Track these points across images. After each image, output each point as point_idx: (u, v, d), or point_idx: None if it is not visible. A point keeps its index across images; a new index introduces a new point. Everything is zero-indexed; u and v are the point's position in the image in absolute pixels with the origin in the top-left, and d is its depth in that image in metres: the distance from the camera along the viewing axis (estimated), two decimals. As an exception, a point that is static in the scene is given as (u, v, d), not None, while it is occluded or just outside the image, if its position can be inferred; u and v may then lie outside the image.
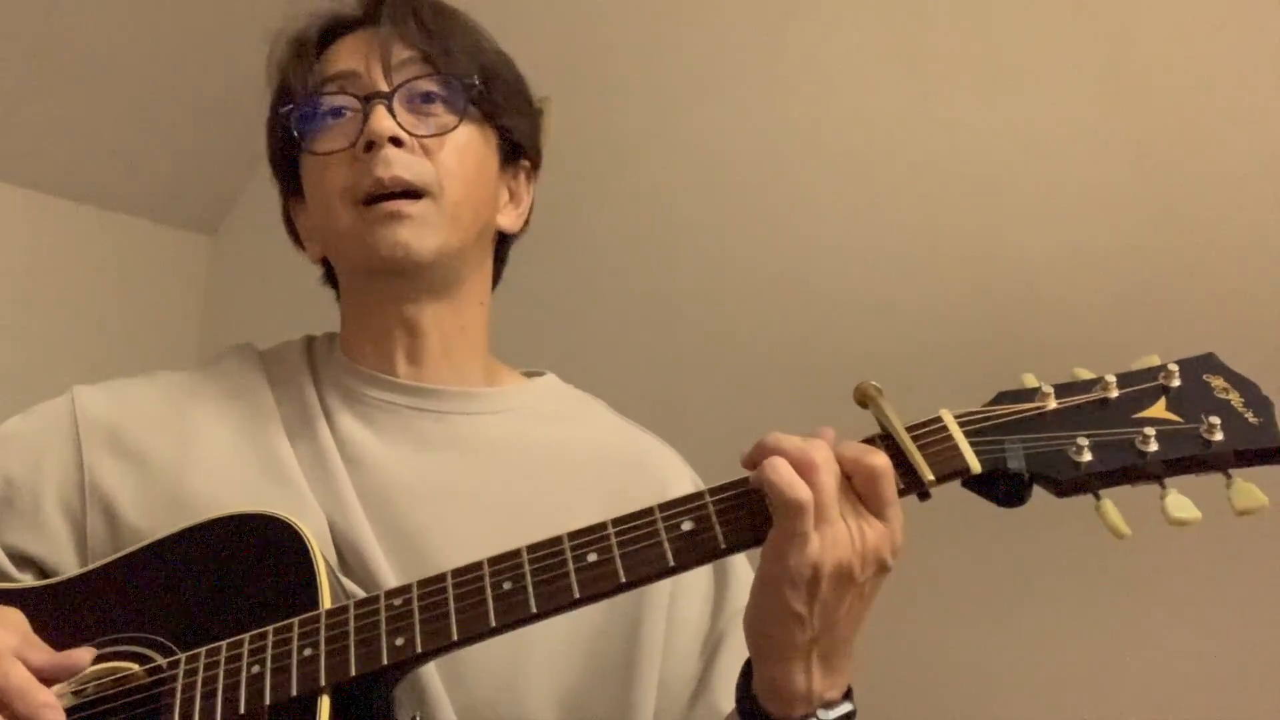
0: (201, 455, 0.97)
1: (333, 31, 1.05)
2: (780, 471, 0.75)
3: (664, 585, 0.89)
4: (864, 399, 0.81)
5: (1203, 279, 1.39)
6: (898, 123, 1.70)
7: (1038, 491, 1.25)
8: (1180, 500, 0.72)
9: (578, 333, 2.01)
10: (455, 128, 0.99)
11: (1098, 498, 0.76)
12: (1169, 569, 1.35)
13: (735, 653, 0.93)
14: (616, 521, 0.80)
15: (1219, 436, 0.73)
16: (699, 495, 0.80)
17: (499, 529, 0.93)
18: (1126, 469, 0.75)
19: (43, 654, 0.83)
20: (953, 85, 1.65)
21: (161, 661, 0.84)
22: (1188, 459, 0.74)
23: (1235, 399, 0.75)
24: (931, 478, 0.77)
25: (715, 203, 1.90)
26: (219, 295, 2.79)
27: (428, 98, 1.00)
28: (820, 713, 0.79)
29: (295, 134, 1.00)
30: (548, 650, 0.92)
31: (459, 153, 1.00)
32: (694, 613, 0.99)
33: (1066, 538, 1.36)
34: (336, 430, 0.99)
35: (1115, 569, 1.40)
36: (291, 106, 1.01)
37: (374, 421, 1.00)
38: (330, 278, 1.11)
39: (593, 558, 0.78)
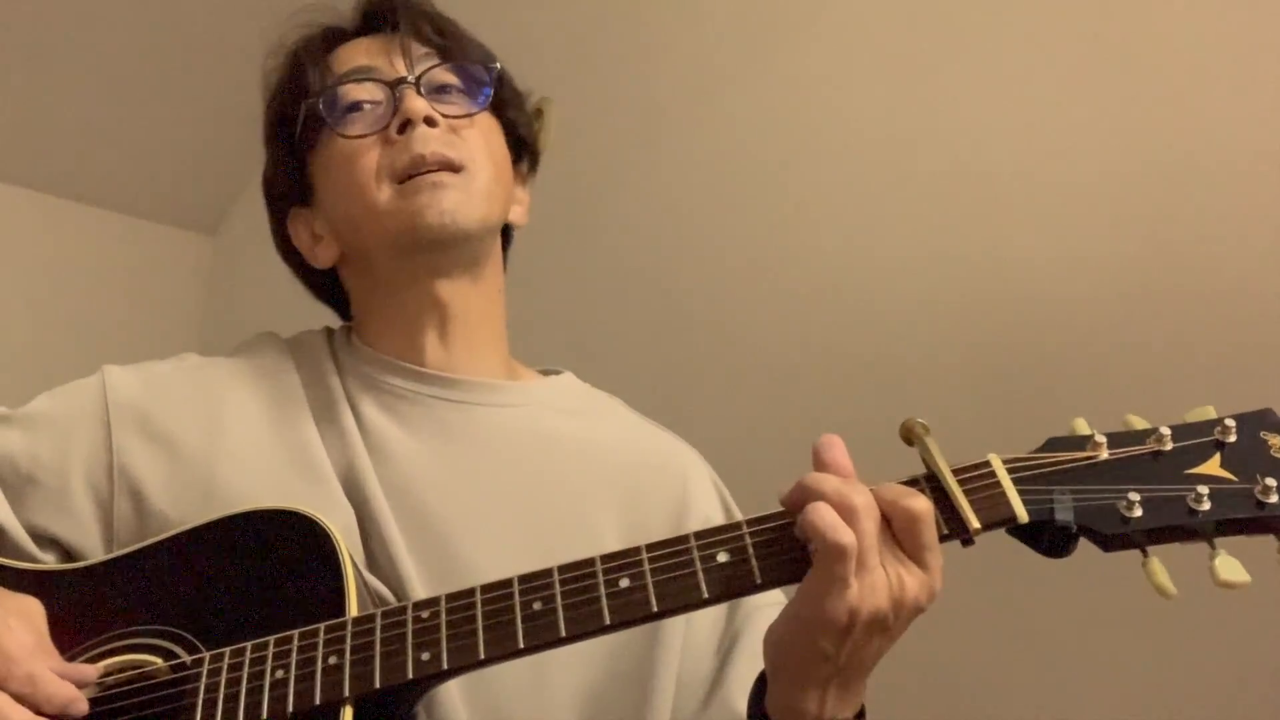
0: (231, 443, 0.96)
1: (336, 39, 1.06)
2: (824, 515, 0.74)
3: None
4: (910, 437, 0.79)
5: (1219, 282, 1.37)
6: (915, 125, 1.69)
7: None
8: (1230, 563, 0.71)
9: (587, 333, 2.00)
10: (480, 111, 1.03)
11: (1145, 554, 0.74)
12: (1170, 568, 1.35)
13: (750, 651, 0.93)
14: (651, 547, 0.79)
15: (1274, 499, 0.72)
16: (736, 526, 0.79)
17: (522, 524, 0.95)
18: (1177, 527, 0.73)
19: (53, 662, 0.82)
20: (964, 89, 1.64)
21: (185, 659, 0.83)
22: (1240, 521, 0.73)
23: (1292, 460, 0.74)
24: (977, 525, 0.75)
25: (727, 203, 1.90)
26: (219, 295, 2.77)
27: (445, 89, 1.03)
28: None
29: (325, 120, 1.01)
30: (571, 649, 0.90)
31: (484, 136, 1.03)
32: (710, 611, 0.98)
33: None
34: (361, 420, 0.99)
35: (1118, 572, 1.40)
36: (311, 98, 1.01)
37: (397, 411, 1.00)
38: (329, 292, 1.10)
39: (625, 583, 0.77)
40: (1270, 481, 0.72)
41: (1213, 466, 0.74)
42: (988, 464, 0.78)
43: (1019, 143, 1.57)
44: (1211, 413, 0.78)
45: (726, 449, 1.18)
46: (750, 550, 0.77)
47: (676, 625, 0.95)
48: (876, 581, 0.74)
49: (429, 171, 0.97)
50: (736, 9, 1.93)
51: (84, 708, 0.80)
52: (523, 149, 1.10)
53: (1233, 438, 0.75)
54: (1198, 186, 1.41)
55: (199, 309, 2.77)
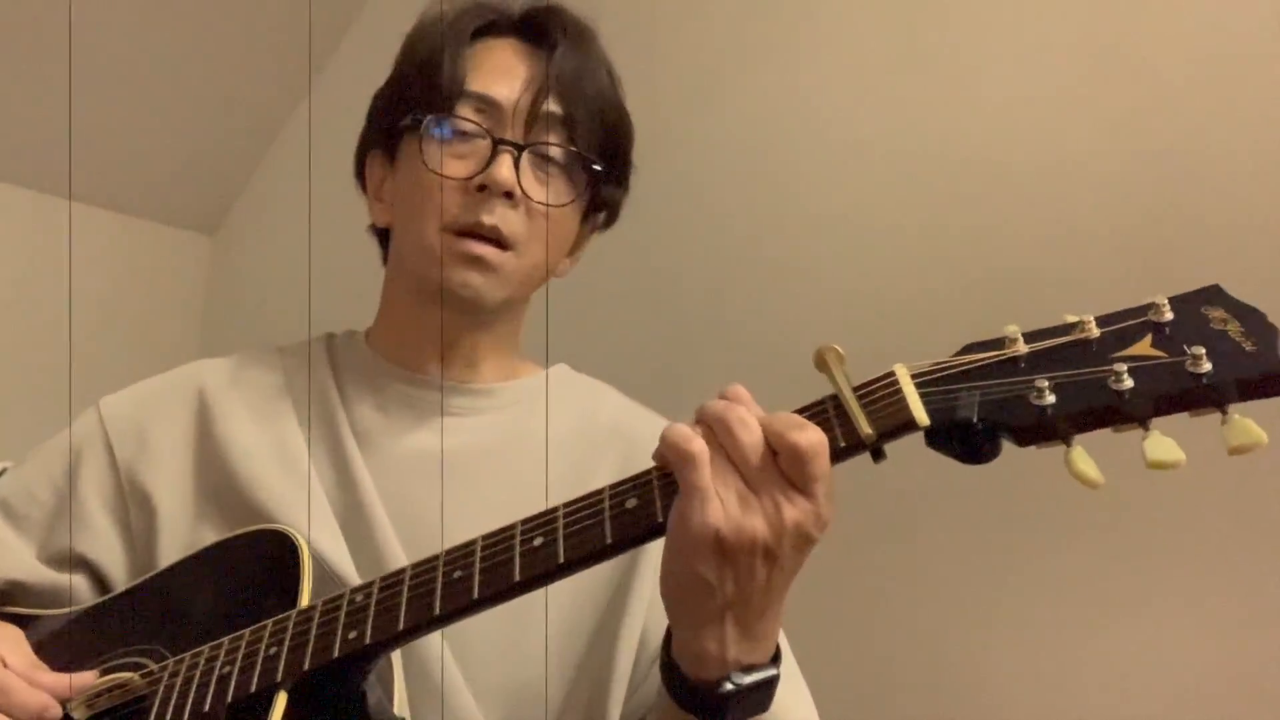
0: (227, 451, 1.00)
1: (490, 29, 1.04)
2: (673, 429, 0.73)
3: (658, 542, 0.83)
4: (820, 363, 0.74)
5: (1202, 265, 1.31)
6: (898, 114, 1.69)
7: (1028, 483, 1.18)
8: (1161, 442, 0.62)
9: (582, 324, 1.97)
10: (566, 205, 1.01)
11: (1069, 445, 0.66)
12: (1169, 566, 1.32)
13: None
14: (568, 504, 0.78)
15: (1206, 368, 0.63)
16: (647, 473, 0.77)
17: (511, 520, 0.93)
18: (1095, 409, 0.65)
19: (47, 675, 0.88)
20: (956, 76, 1.64)
21: (153, 666, 0.87)
22: (1170, 396, 0.64)
23: (1234, 328, 0.64)
24: (869, 432, 0.70)
25: (717, 193, 1.90)
26: (219, 295, 2.75)
27: (548, 160, 1.00)
28: (735, 676, 0.75)
29: (420, 146, 0.99)
30: (548, 606, 0.93)
31: (556, 224, 1.02)
32: None
33: (1067, 536, 1.36)
34: (356, 426, 1.01)
35: (1117, 567, 1.36)
36: (427, 115, 0.99)
37: (392, 414, 1.02)
38: (381, 242, 1.10)
39: (538, 541, 0.77)
40: (1199, 350, 0.62)
41: (1142, 348, 0.65)
42: (892, 374, 0.73)
43: (1015, 144, 1.56)
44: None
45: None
46: (656, 491, 0.75)
47: (646, 581, 0.97)
48: (745, 503, 0.70)
49: (478, 237, 0.97)
50: (733, 9, 1.93)
51: (57, 712, 0.85)
52: (603, 209, 1.09)
53: (1168, 316, 0.66)
54: (1186, 175, 1.40)
55: (199, 309, 2.76)
